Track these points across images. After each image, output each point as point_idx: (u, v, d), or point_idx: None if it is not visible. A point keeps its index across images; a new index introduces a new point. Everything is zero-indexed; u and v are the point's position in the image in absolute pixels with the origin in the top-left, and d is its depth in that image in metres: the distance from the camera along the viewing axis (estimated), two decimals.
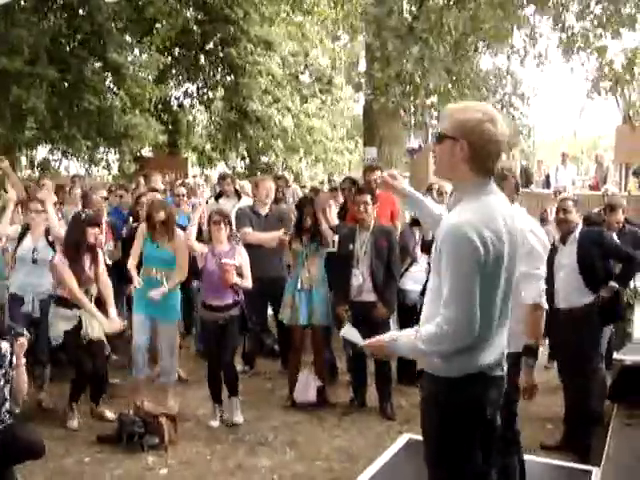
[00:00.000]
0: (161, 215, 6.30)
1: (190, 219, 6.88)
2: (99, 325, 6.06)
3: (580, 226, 5.80)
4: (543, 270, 4.23)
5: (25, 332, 4.76)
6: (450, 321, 2.70)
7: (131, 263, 6.42)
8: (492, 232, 2.72)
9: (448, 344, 2.76)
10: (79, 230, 6.02)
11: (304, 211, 6.62)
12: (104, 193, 8.91)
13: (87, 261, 6.07)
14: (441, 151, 2.86)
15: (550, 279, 5.74)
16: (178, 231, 6.44)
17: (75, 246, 5.99)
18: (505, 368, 3.00)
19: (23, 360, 4.72)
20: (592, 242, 5.73)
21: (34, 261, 6.32)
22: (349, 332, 3.32)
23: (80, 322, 5.99)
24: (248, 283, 6.19)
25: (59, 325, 6.00)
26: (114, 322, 6.11)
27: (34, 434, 4.98)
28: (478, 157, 2.78)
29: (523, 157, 19.65)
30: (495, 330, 2.85)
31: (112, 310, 6.13)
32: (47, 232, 6.48)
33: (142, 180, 10.83)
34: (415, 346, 2.84)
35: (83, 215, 6.20)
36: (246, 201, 8.85)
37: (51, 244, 6.45)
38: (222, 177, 9.95)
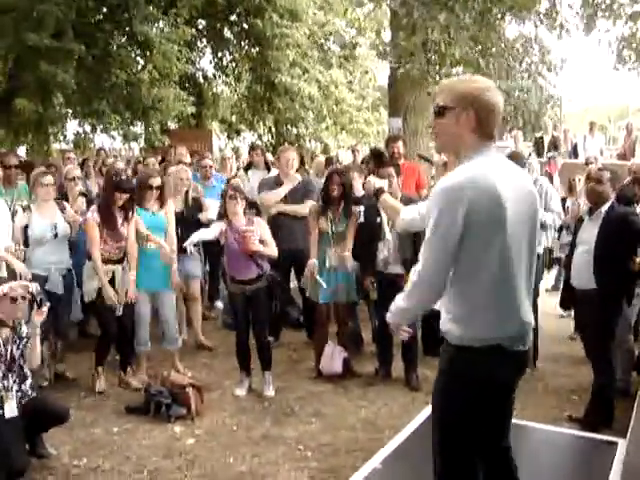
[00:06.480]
0: (157, 181, 6.44)
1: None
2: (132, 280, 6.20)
3: (611, 202, 5.36)
4: None
5: (47, 302, 4.86)
6: (418, 273, 2.85)
7: None
8: (483, 193, 2.73)
9: (417, 296, 2.91)
10: (109, 191, 6.12)
11: (332, 181, 6.52)
12: (122, 165, 8.93)
13: (120, 218, 6.12)
14: (445, 124, 2.92)
15: (571, 253, 5.64)
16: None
17: (106, 204, 6.10)
18: (528, 344, 2.96)
19: (38, 330, 4.80)
20: (619, 221, 5.26)
21: (55, 236, 6.19)
22: None
23: (113, 278, 6.10)
24: (272, 251, 6.14)
25: (93, 282, 6.08)
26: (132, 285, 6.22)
27: (56, 401, 5.09)
28: (483, 123, 2.85)
29: (552, 127, 19.35)
30: (499, 299, 2.82)
31: (132, 273, 6.20)
32: (62, 208, 6.37)
33: (172, 152, 10.80)
34: (398, 306, 2.99)
35: (115, 178, 6.21)
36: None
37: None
38: (252, 147, 9.93)
